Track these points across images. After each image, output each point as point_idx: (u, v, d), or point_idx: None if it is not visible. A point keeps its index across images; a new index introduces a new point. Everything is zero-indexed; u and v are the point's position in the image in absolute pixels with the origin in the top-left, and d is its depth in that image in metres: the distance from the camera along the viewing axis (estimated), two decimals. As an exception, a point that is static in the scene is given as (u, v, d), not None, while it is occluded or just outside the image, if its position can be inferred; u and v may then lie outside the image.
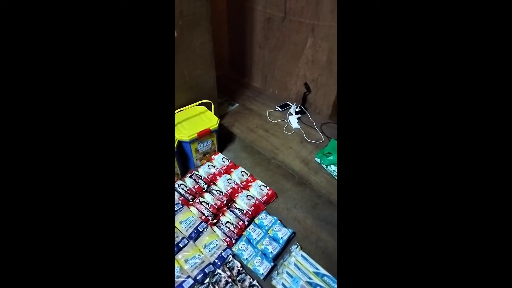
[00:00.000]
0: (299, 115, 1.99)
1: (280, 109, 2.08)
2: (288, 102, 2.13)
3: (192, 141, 1.37)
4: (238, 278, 1.08)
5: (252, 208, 1.32)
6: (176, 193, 1.37)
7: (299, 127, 1.92)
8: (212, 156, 1.57)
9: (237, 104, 2.12)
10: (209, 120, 1.47)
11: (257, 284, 1.06)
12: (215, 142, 1.54)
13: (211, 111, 1.51)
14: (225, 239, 1.20)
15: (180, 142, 1.35)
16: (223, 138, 1.72)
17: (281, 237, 1.19)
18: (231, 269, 1.10)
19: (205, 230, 1.22)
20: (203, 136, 1.40)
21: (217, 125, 1.45)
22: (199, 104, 1.48)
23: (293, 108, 2.02)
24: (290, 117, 1.98)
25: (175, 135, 1.33)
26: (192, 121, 1.44)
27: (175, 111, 1.35)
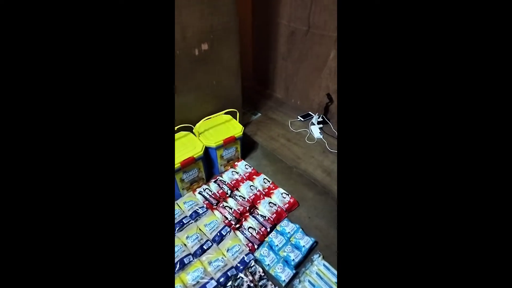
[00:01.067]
0: (321, 125, 2.01)
1: (302, 119, 2.11)
2: (310, 112, 2.15)
3: (218, 147, 1.43)
4: (260, 284, 1.09)
5: (274, 215, 1.34)
6: (201, 196, 1.43)
7: (321, 137, 1.93)
8: (236, 163, 1.62)
9: (259, 114, 2.17)
10: (234, 128, 1.52)
11: (278, 290, 1.07)
12: (239, 149, 1.59)
13: (236, 119, 1.57)
14: (247, 244, 1.22)
15: (206, 148, 1.41)
16: (246, 146, 1.76)
17: (303, 245, 1.20)
18: (253, 274, 1.12)
19: (228, 234, 1.25)
20: (228, 143, 1.46)
21: (241, 132, 1.50)
22: (225, 113, 1.54)
23: (315, 118, 2.04)
24: (312, 127, 2.00)
25: (203, 141, 1.40)
26: (218, 128, 1.50)
27: (204, 119, 1.42)
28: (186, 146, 1.36)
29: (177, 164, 1.26)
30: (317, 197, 1.47)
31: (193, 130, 1.45)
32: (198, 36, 1.27)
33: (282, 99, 2.37)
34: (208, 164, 1.51)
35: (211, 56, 1.38)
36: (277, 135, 1.95)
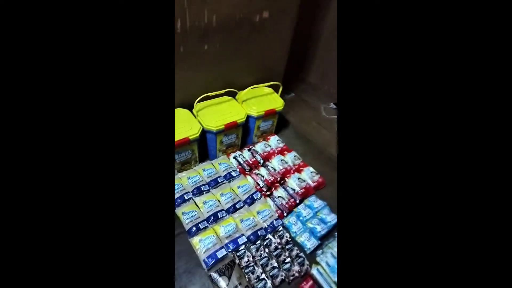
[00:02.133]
0: (352, 116, 2.02)
1: (335, 106, 2.13)
2: (342, 102, 2.16)
3: (259, 117, 1.47)
4: (287, 247, 1.17)
5: (303, 190, 1.40)
6: (235, 161, 1.49)
7: (351, 126, 1.95)
8: (269, 137, 1.66)
9: (293, 94, 2.19)
10: (275, 101, 1.55)
11: (303, 256, 1.15)
12: (275, 123, 1.63)
13: (278, 93, 1.60)
14: (276, 211, 1.29)
15: (248, 117, 1.45)
16: (278, 123, 1.79)
17: (329, 221, 1.26)
18: (281, 237, 1.19)
19: (259, 199, 1.32)
20: (268, 115, 1.50)
21: (282, 107, 1.54)
22: (268, 86, 1.56)
23: (347, 108, 2.06)
24: (343, 116, 2.02)
25: (246, 109, 1.43)
26: (260, 99, 1.54)
27: (249, 88, 1.44)
28: (230, 111, 1.40)
29: (221, 126, 1.30)
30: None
31: (236, 97, 1.48)
32: (262, 2, 1.28)
33: (315, 84, 2.37)
34: (244, 132, 1.55)
35: (269, 25, 1.39)
36: (309, 118, 1.98)
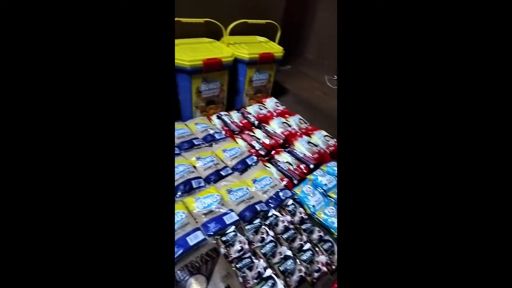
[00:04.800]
0: (361, 87, 1.69)
1: (339, 79, 1.79)
2: (347, 75, 1.83)
3: (251, 63, 1.09)
4: (303, 227, 0.73)
5: (316, 155, 0.98)
6: (220, 121, 1.07)
7: (363, 96, 1.61)
8: (264, 99, 1.27)
9: (289, 66, 1.85)
10: (272, 48, 1.19)
11: (331, 240, 0.70)
12: (272, 78, 1.25)
13: (275, 41, 1.24)
14: (281, 179, 0.86)
15: (236, 61, 1.06)
16: (274, 91, 1.40)
17: (362, 190, 0.84)
18: (292, 214, 0.75)
19: (254, 164, 0.89)
20: (264, 61, 1.12)
21: (281, 54, 1.17)
22: (266, 23, 1.17)
23: (354, 79, 1.72)
24: (351, 87, 1.68)
25: (233, 51, 1.05)
26: (253, 45, 1.17)
27: (236, 22, 1.06)
28: (211, 50, 1.02)
29: (198, 62, 0.91)
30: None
31: (221, 40, 1.11)
32: None
33: (313, 60, 2.06)
34: (231, 87, 1.16)
35: None
36: (311, 87, 1.63)
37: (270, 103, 1.26)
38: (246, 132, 1.04)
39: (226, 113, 1.13)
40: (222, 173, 0.84)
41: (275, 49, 1.18)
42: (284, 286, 0.59)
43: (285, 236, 0.69)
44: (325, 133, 1.13)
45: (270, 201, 0.78)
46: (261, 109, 1.20)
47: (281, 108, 1.25)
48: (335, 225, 0.74)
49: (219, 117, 1.08)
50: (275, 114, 1.20)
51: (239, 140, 0.99)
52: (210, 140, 0.96)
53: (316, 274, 0.64)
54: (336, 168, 0.92)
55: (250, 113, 1.16)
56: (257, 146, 0.97)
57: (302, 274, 0.63)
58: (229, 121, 1.07)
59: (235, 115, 1.13)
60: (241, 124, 1.08)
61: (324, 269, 0.65)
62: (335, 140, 1.10)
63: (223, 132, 1.02)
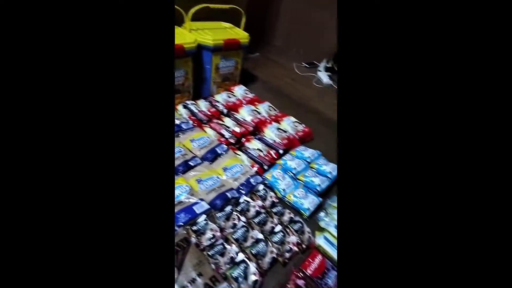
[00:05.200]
0: (329, 73, 1.73)
1: (308, 66, 1.82)
2: (315, 62, 1.86)
3: (216, 49, 1.06)
4: (274, 210, 0.74)
5: (286, 141, 1.00)
6: (186, 111, 1.04)
7: (330, 82, 1.65)
8: (232, 87, 1.25)
9: (258, 54, 1.84)
10: (237, 34, 1.17)
11: (300, 221, 0.72)
12: (239, 65, 1.23)
13: (240, 27, 1.21)
14: (252, 165, 0.87)
15: (200, 48, 1.03)
16: (243, 79, 1.38)
17: (330, 171, 0.87)
18: (263, 199, 0.76)
19: (225, 153, 0.88)
20: (229, 47, 1.10)
21: (247, 40, 1.15)
22: (229, 8, 1.13)
23: (322, 65, 1.76)
24: (320, 73, 1.72)
25: (196, 37, 1.01)
26: (218, 31, 1.14)
27: (198, 7, 1.02)
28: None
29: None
30: (335, 135, 1.16)
31: (182, 26, 1.06)
32: None
33: (281, 47, 2.06)
34: (197, 74, 1.12)
35: None
36: (281, 75, 1.64)
37: (239, 91, 1.24)
38: (215, 120, 1.02)
39: (193, 102, 1.10)
40: (191, 163, 0.82)
41: (241, 35, 1.15)
42: (256, 268, 0.60)
43: (256, 220, 0.70)
44: (294, 119, 1.14)
45: (241, 187, 0.78)
46: (229, 97, 1.18)
47: (250, 95, 1.24)
48: (305, 206, 0.76)
49: (185, 107, 1.05)
50: (244, 102, 1.19)
51: (208, 129, 0.98)
52: (176, 130, 0.93)
53: (287, 254, 0.65)
54: (304, 152, 0.94)
55: (218, 102, 1.14)
56: (227, 135, 0.96)
57: (274, 255, 0.64)
58: (196, 110, 1.05)
59: (203, 104, 1.10)
60: (209, 113, 1.06)
61: (295, 248, 0.67)
62: (303, 125, 1.12)
63: (190, 122, 0.99)
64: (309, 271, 0.62)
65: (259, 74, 1.56)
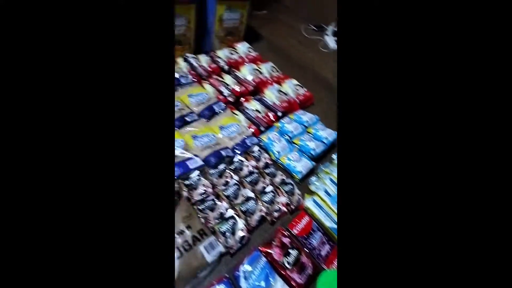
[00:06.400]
0: (336, 38, 1.63)
1: (316, 29, 1.71)
2: (323, 25, 1.75)
3: (221, -2, 0.98)
4: (266, 171, 0.74)
5: (286, 104, 0.97)
6: (186, 64, 0.99)
7: (337, 47, 1.56)
8: (235, 44, 1.18)
9: (265, 11, 1.72)
10: (244, -17, 1.07)
11: (292, 182, 0.73)
12: (244, 20, 1.15)
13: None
14: (249, 126, 0.85)
15: (203, -4, 0.95)
16: (248, 37, 1.29)
17: (326, 137, 0.86)
18: (256, 159, 0.76)
19: (223, 111, 0.86)
20: (235, -2, 1.01)
21: (254, -9, 1.06)
22: None
23: (330, 29, 1.66)
24: (327, 37, 1.62)
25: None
26: (222, -22, 1.03)
27: None
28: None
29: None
30: (334, 100, 1.14)
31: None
32: None
33: (290, 6, 1.92)
34: (199, 26, 1.05)
35: None
36: (287, 35, 1.55)
37: (242, 48, 1.18)
38: (215, 77, 0.98)
39: (193, 55, 1.04)
40: (187, 118, 0.80)
41: (248, -16, 1.06)
42: (245, 225, 0.62)
43: (248, 179, 0.70)
44: (296, 82, 1.10)
45: (236, 147, 0.78)
46: (232, 54, 1.13)
47: (253, 54, 1.18)
48: (297, 169, 0.77)
49: (185, 60, 1.00)
50: (247, 60, 1.14)
51: (207, 85, 0.94)
52: (175, 84, 0.90)
53: (276, 214, 0.67)
54: (303, 116, 0.92)
55: (220, 57, 1.08)
56: (226, 93, 0.93)
57: (263, 214, 0.66)
58: (196, 65, 1.00)
59: (204, 59, 1.05)
60: (209, 69, 1.02)
61: (284, 209, 0.69)
62: (305, 89, 1.09)
63: (190, 77, 0.95)
64: (295, 231, 0.65)
65: (264, 33, 1.48)
